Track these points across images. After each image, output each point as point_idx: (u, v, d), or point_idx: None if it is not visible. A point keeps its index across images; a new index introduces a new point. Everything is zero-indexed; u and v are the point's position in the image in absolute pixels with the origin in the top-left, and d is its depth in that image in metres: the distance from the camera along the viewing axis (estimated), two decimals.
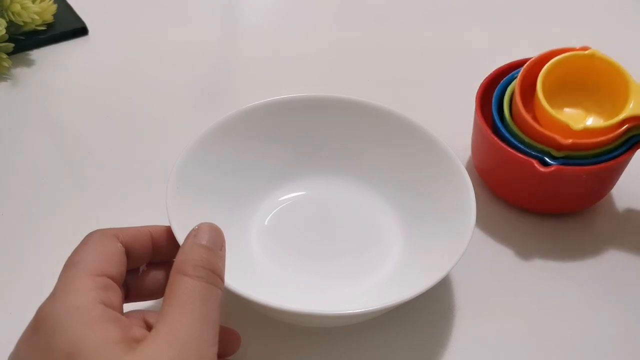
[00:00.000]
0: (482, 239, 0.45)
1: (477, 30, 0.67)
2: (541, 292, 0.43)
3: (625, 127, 0.41)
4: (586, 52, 0.44)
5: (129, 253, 0.33)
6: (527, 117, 0.42)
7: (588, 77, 0.44)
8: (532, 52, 0.65)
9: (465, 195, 0.40)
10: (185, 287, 0.29)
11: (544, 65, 0.44)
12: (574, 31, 0.67)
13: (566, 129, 0.41)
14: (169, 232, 0.35)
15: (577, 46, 0.45)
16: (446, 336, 0.40)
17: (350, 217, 0.45)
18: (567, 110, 0.45)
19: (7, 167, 0.50)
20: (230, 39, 0.66)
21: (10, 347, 0.29)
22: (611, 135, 0.42)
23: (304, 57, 0.62)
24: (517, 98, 0.43)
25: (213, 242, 0.31)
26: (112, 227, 0.34)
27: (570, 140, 0.41)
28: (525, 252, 0.45)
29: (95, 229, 0.33)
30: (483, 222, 0.46)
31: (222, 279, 0.31)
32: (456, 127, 0.51)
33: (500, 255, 0.45)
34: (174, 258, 0.34)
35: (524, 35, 0.67)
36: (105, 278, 0.30)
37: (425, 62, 0.62)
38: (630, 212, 0.48)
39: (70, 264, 0.30)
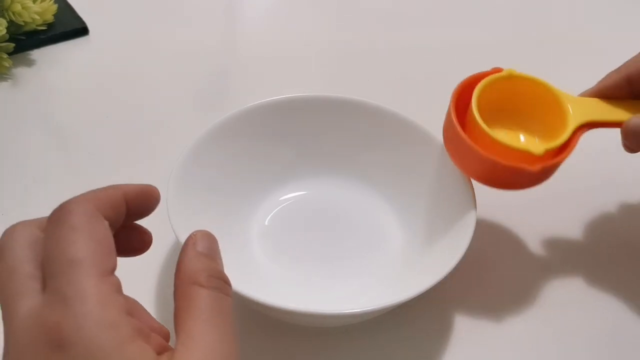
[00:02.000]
0: (482, 239, 0.45)
1: (477, 30, 0.67)
2: (541, 292, 0.43)
3: (580, 132, 0.40)
4: (502, 73, 0.41)
5: (109, 225, 0.29)
6: (492, 158, 0.38)
7: (509, 98, 0.41)
8: (534, 51, 0.65)
9: (466, 195, 0.40)
10: (204, 299, 0.28)
11: (469, 94, 0.40)
12: (577, 29, 0.67)
13: (527, 157, 0.38)
14: (140, 193, 0.33)
15: (489, 68, 0.41)
16: (446, 336, 0.40)
17: (351, 216, 0.45)
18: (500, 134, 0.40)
19: (7, 167, 0.50)
20: (230, 39, 0.66)
21: None
22: (570, 147, 0.39)
23: (304, 57, 0.62)
24: (466, 139, 0.39)
25: (213, 251, 0.31)
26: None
27: (539, 166, 0.38)
28: (525, 251, 0.45)
29: None
30: (483, 221, 0.46)
31: (231, 287, 0.30)
32: None
33: (500, 255, 0.45)
34: (140, 218, 0.32)
35: (525, 35, 0.67)
36: (115, 276, 0.28)
37: (426, 62, 0.62)
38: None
39: (70, 261, 0.26)
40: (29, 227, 0.29)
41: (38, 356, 0.24)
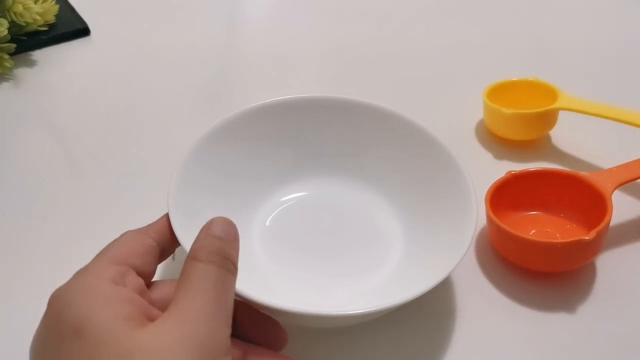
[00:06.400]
0: (483, 239, 0.45)
1: (478, 29, 0.67)
2: (542, 291, 0.43)
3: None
4: (529, 79, 0.54)
5: (162, 247, 0.34)
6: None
7: (529, 98, 0.53)
8: (533, 50, 0.65)
9: (467, 195, 0.40)
10: (197, 271, 0.29)
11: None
12: (571, 28, 0.67)
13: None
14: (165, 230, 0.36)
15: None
16: (447, 336, 0.40)
17: (352, 217, 0.45)
18: None
19: (8, 167, 0.50)
20: (232, 40, 0.66)
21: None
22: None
23: (305, 57, 0.62)
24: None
25: (227, 233, 0.32)
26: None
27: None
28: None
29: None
30: (483, 221, 0.46)
31: (235, 266, 0.31)
32: (457, 127, 0.51)
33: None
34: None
35: (525, 34, 0.67)
36: (126, 267, 0.30)
37: (427, 62, 0.62)
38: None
39: (98, 254, 0.31)
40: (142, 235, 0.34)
41: (41, 319, 0.28)
